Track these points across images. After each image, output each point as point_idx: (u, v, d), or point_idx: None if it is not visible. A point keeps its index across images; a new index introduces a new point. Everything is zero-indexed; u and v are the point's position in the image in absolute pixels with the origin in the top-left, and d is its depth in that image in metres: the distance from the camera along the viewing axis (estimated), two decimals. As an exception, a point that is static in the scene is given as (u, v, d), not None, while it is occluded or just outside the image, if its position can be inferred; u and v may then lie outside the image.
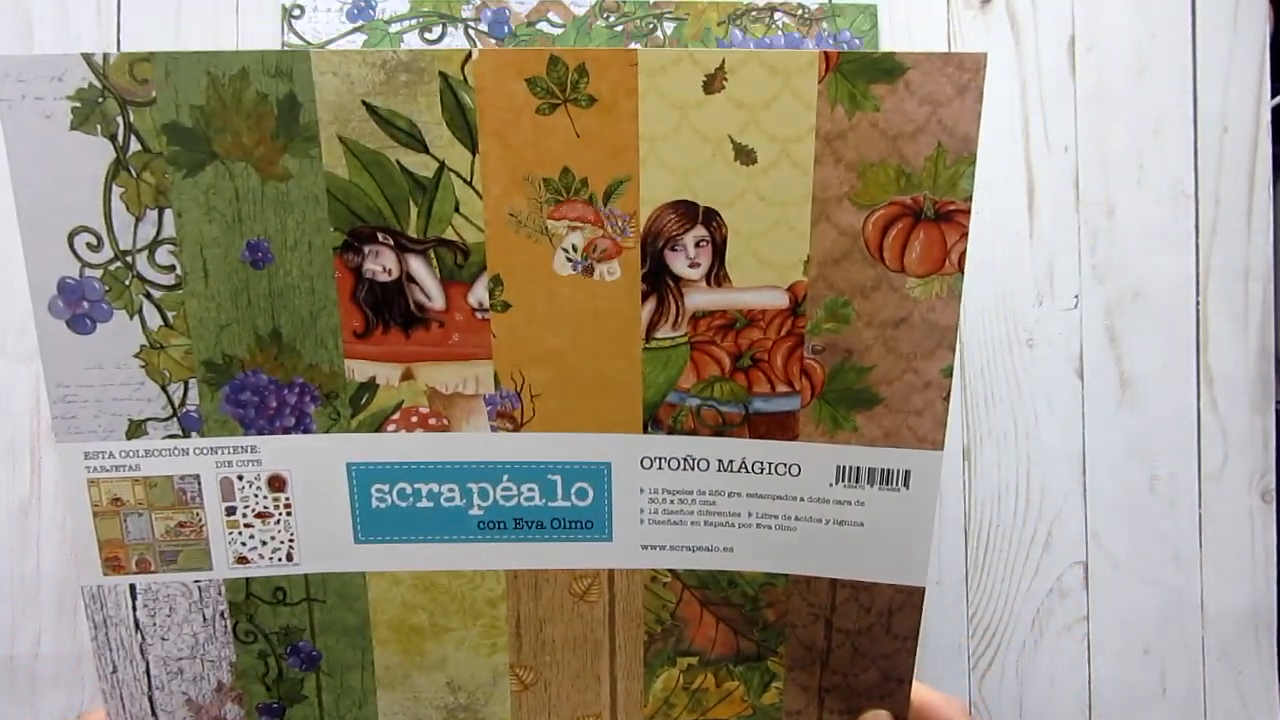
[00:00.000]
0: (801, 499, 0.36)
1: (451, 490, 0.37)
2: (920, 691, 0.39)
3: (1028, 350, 0.56)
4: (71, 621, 0.53)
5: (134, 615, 0.38)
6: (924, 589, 0.37)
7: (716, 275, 0.34)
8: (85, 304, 0.34)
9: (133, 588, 0.37)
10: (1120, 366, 0.56)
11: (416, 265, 0.34)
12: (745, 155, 0.33)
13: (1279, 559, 0.57)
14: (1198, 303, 0.56)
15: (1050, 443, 0.56)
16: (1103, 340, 0.56)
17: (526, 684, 0.39)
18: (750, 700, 0.40)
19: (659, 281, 0.34)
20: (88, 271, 0.34)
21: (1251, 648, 0.58)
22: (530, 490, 0.37)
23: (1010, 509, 0.56)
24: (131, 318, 0.34)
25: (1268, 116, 0.56)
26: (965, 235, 0.33)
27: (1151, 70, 0.55)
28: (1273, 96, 0.56)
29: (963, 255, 0.33)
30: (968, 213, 0.33)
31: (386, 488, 0.37)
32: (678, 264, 0.34)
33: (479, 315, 0.35)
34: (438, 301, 0.34)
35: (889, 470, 0.36)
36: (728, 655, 0.39)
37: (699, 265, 0.34)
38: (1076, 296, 0.56)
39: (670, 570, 0.38)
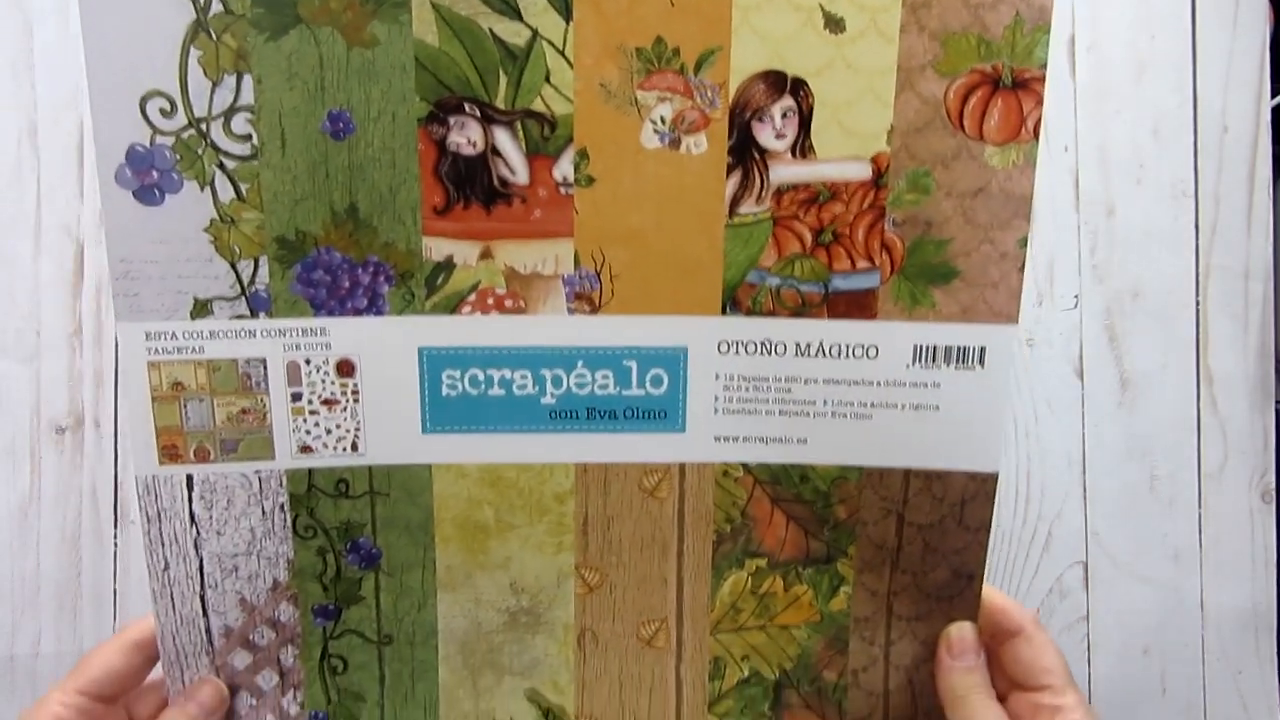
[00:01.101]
0: (878, 383, 0.36)
1: (524, 377, 0.36)
2: (992, 594, 0.39)
3: (1028, 350, 0.57)
4: (71, 621, 0.52)
5: (189, 508, 0.36)
6: (997, 476, 0.37)
7: (802, 147, 0.34)
8: (155, 173, 0.33)
9: (189, 478, 0.36)
10: (1120, 366, 0.57)
11: (502, 138, 0.33)
12: (835, 24, 0.33)
13: (1279, 559, 0.58)
14: (1198, 303, 0.57)
15: (1050, 443, 0.57)
16: (1103, 340, 0.57)
17: (592, 586, 0.39)
18: (818, 606, 0.39)
19: (745, 154, 0.34)
20: (159, 139, 0.33)
21: (1251, 648, 0.58)
22: (605, 377, 0.36)
23: (1010, 509, 0.57)
24: (203, 189, 0.33)
25: (1268, 116, 0.57)
26: (1040, 103, 0.33)
27: (1151, 70, 0.56)
28: (1273, 96, 0.57)
29: (1038, 123, 0.34)
30: (1043, 80, 0.33)
31: (458, 374, 0.36)
32: (764, 135, 0.34)
33: (563, 191, 0.34)
34: (521, 176, 0.34)
35: (965, 349, 0.36)
36: (797, 558, 0.39)
37: (785, 136, 0.34)
38: (1076, 296, 0.57)
39: (742, 464, 0.38)
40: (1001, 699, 0.38)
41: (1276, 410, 0.58)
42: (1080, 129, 0.56)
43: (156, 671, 0.38)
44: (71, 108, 0.51)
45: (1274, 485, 0.58)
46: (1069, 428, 0.57)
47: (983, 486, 0.37)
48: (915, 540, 0.38)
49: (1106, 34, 0.56)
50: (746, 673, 0.40)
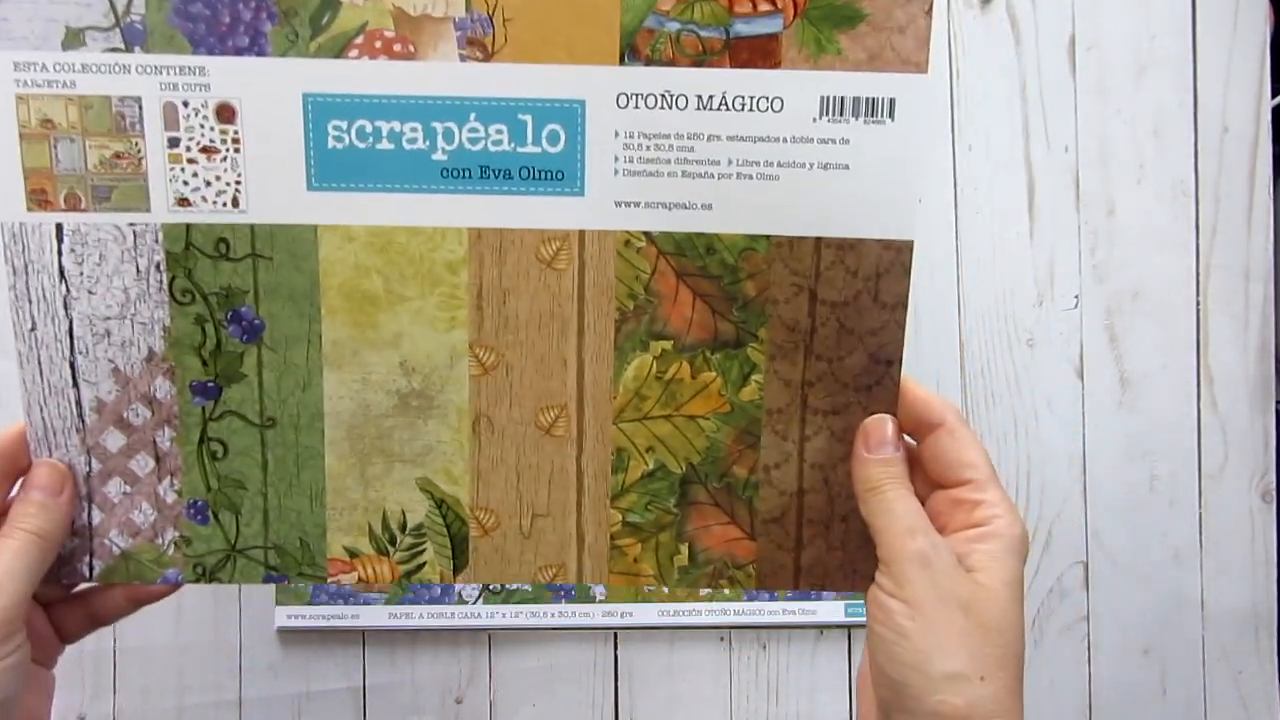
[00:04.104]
0: (784, 139, 0.35)
1: (415, 130, 0.35)
2: (911, 386, 0.37)
3: (1028, 350, 0.57)
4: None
5: (59, 262, 0.34)
6: (912, 245, 0.36)
7: None
8: (25, -114, 0.32)
9: (59, 228, 0.34)
10: (1120, 366, 0.57)
11: None
12: None
13: (1279, 559, 0.57)
14: (1198, 303, 0.57)
15: (1050, 443, 0.57)
16: (1103, 340, 0.57)
17: (487, 367, 0.37)
18: (728, 395, 0.37)
19: (639, -121, 0.33)
20: None
21: (1251, 648, 0.58)
22: (499, 132, 0.35)
23: None
24: (76, -95, 0.32)
25: (1268, 116, 0.57)
26: None
27: (1151, 70, 0.56)
28: (1273, 96, 0.57)
29: None
30: None
31: (344, 125, 0.34)
32: None
33: (450, -80, 0.33)
34: (407, -100, 0.33)
35: (874, 100, 0.34)
36: (705, 340, 0.37)
37: None
38: (1076, 296, 0.57)
39: (645, 233, 0.36)
40: (922, 501, 0.36)
41: (1277, 410, 0.58)
42: (1080, 129, 0.56)
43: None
44: None
45: (1274, 485, 0.57)
46: (1069, 428, 0.57)
47: (898, 257, 0.36)
48: (829, 321, 0.36)
49: (1106, 34, 0.56)
50: (651, 465, 0.38)
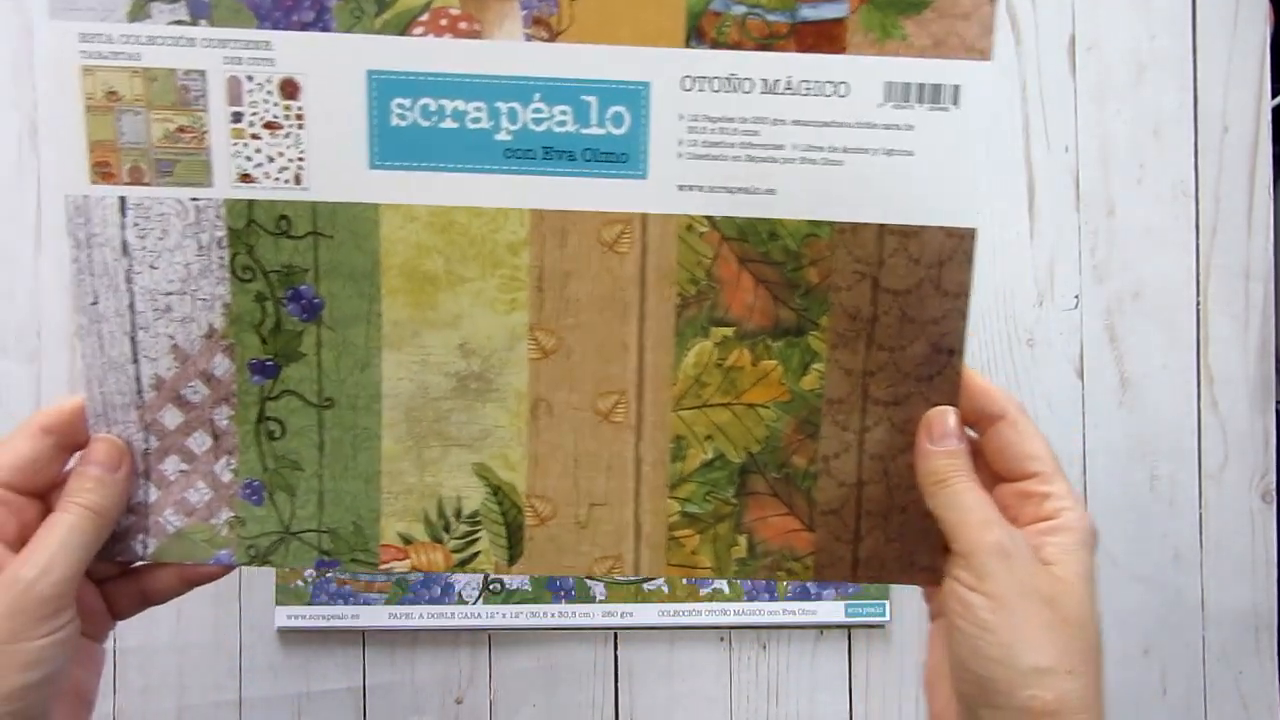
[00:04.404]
0: (849, 125, 0.34)
1: (479, 110, 0.34)
2: (972, 377, 0.36)
3: (1028, 350, 0.57)
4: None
5: (122, 235, 0.34)
6: (975, 233, 0.35)
7: None
8: None
9: (123, 201, 0.34)
10: (1120, 366, 0.57)
11: None
12: None
13: (1279, 559, 0.57)
14: (1198, 303, 0.57)
15: (1050, 443, 0.55)
16: (1103, 340, 0.57)
17: (546, 350, 0.36)
18: (788, 384, 0.37)
19: None
20: None
21: (1251, 648, 0.58)
22: (563, 113, 0.35)
23: None
24: (147, -123, 0.32)
25: (1268, 116, 0.57)
26: None
27: (1151, 70, 0.57)
28: (1273, 96, 0.57)
29: None
30: None
31: (409, 103, 0.34)
32: None
33: (521, -103, 0.33)
34: (478, -123, 0.33)
35: (939, 86, 0.34)
36: (766, 327, 0.37)
37: None
38: (1076, 296, 0.57)
39: (707, 218, 0.36)
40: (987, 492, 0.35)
41: (1277, 410, 0.58)
42: (1080, 129, 0.57)
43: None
44: None
45: (1274, 485, 0.57)
46: (1069, 428, 0.57)
47: (960, 245, 0.35)
48: (891, 309, 0.36)
49: (1106, 34, 0.56)
50: (711, 454, 0.37)
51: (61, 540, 0.33)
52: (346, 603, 0.53)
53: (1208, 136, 0.57)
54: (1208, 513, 0.57)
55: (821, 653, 0.56)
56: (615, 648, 0.56)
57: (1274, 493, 0.57)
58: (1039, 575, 0.32)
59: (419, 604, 0.54)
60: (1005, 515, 0.34)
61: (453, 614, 0.54)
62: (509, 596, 0.54)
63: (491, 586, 0.54)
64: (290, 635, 0.54)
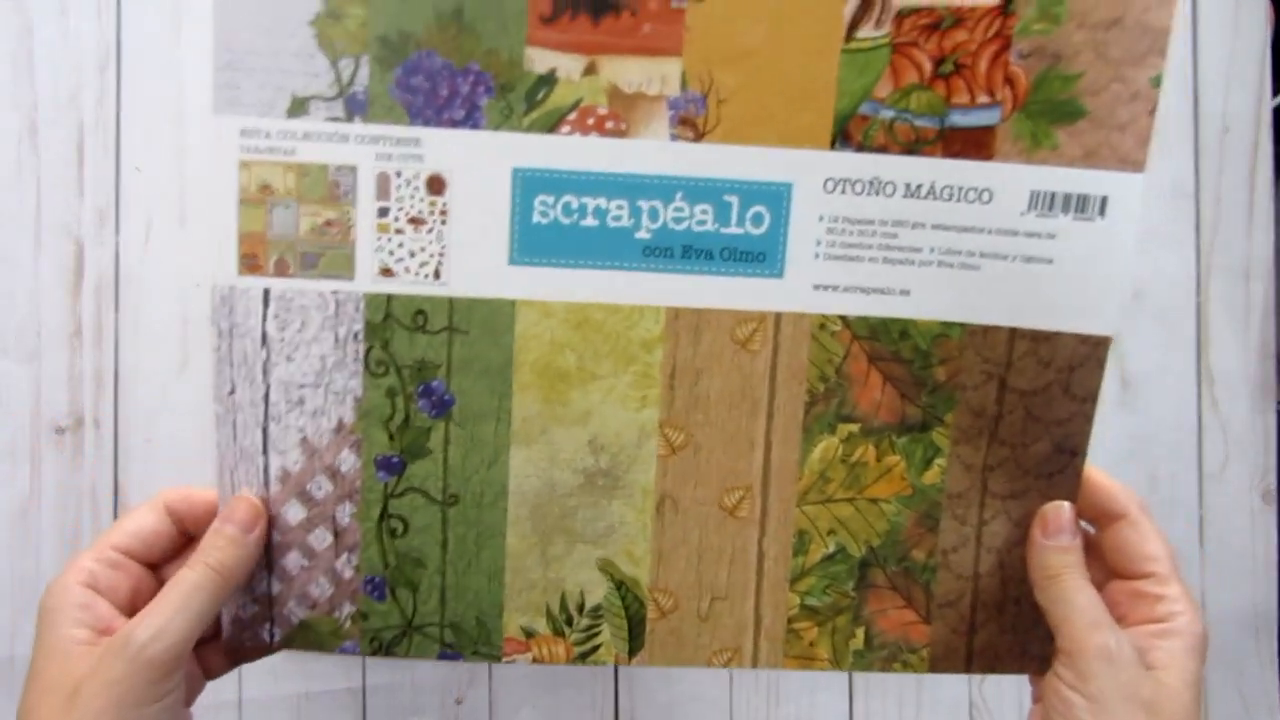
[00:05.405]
0: (990, 231, 0.35)
1: (620, 207, 0.35)
2: (1094, 475, 0.36)
3: None
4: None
5: (263, 326, 0.34)
6: (1110, 341, 0.35)
7: (927, -34, 0.33)
8: (264, -41, 0.32)
9: (266, 293, 0.34)
10: (1120, 366, 0.57)
11: (617, -58, 0.33)
12: None
13: (1279, 559, 0.57)
14: (1198, 303, 0.57)
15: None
16: None
17: (675, 447, 0.36)
18: (910, 479, 0.37)
19: (866, -28, 0.33)
20: (272, -77, 0.32)
21: (1251, 648, 0.57)
22: (704, 212, 0.35)
23: None
24: (311, -21, 0.33)
25: (1268, 116, 0.57)
26: None
27: None
28: (1273, 96, 0.57)
29: None
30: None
31: (552, 199, 0.34)
32: (888, -48, 0.33)
33: (675, 4, 0.33)
34: (634, -15, 0.33)
35: (1086, 197, 0.34)
36: (891, 424, 0.37)
37: (910, -47, 0.33)
38: None
39: (840, 317, 0.36)
40: (1099, 588, 0.35)
41: (1277, 410, 0.58)
42: None
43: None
44: (72, 108, 0.50)
45: (1275, 486, 0.57)
46: None
47: (1094, 351, 0.35)
48: (1017, 408, 0.36)
49: None
50: (832, 548, 0.37)
51: (182, 602, 0.33)
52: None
53: (1208, 136, 0.57)
54: (1208, 513, 0.57)
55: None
56: (615, 648, 0.55)
57: (1274, 493, 0.57)
58: (1142, 680, 0.32)
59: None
60: (1116, 613, 0.35)
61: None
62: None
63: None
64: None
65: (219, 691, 0.52)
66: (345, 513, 0.36)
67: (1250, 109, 0.57)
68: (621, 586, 0.37)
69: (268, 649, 0.36)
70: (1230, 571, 0.57)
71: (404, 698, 0.53)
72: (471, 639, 0.36)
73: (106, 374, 0.51)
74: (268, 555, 0.35)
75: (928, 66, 0.34)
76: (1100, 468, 0.36)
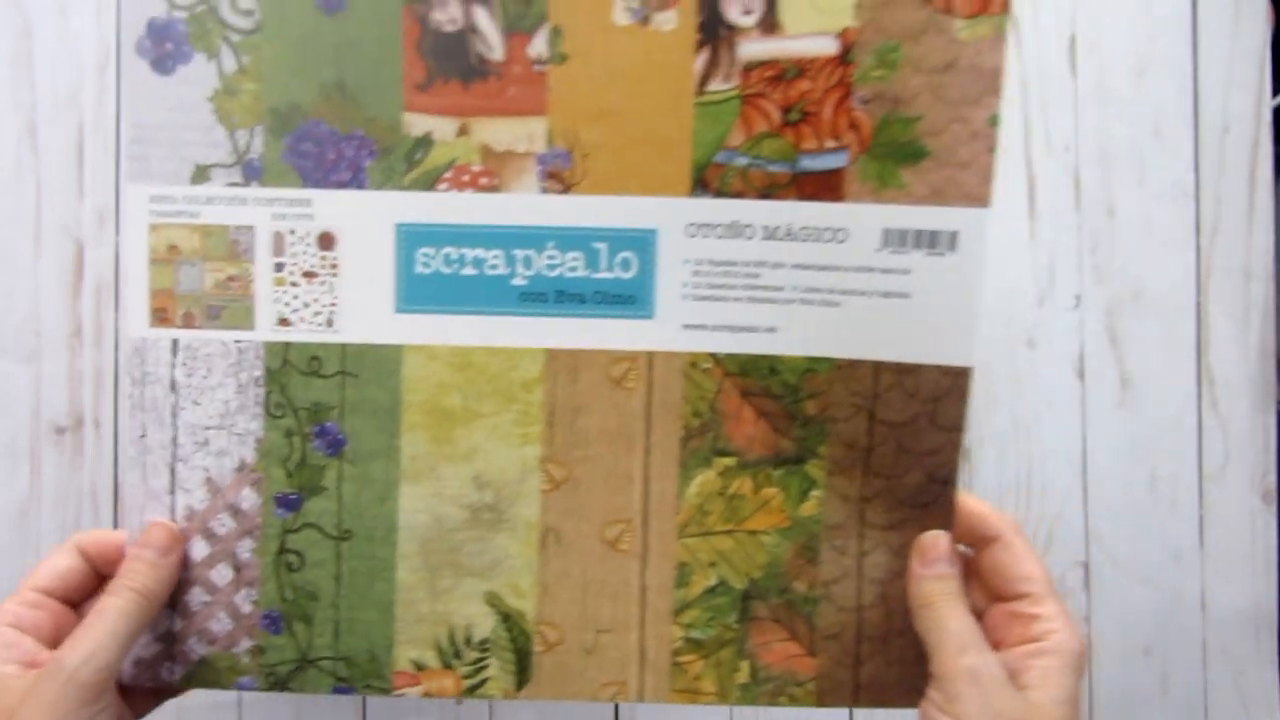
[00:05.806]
0: (847, 269, 0.36)
1: (497, 257, 0.37)
2: (968, 501, 0.37)
3: (1028, 350, 0.57)
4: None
5: (172, 374, 0.37)
6: (970, 371, 0.36)
7: (769, 22, 0.35)
8: (169, 45, 0.36)
9: (175, 343, 0.37)
10: (1120, 366, 0.57)
11: (480, 15, 0.36)
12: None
13: (1279, 559, 0.57)
14: (1198, 303, 0.57)
15: (1050, 443, 0.57)
16: (1103, 340, 0.57)
17: (557, 482, 0.38)
18: (788, 511, 0.38)
19: (713, 30, 0.36)
20: (175, 13, 0.36)
21: (1251, 648, 0.57)
22: (575, 259, 0.37)
23: (1011, 509, 0.56)
24: (209, 60, 0.36)
25: (1268, 116, 0.57)
26: None
27: (1151, 70, 0.57)
28: (1273, 96, 0.58)
29: None
30: (1010, -51, 0.34)
31: (433, 251, 0.37)
32: (732, 11, 0.35)
33: (537, 68, 0.36)
34: (498, 53, 0.36)
35: (936, 233, 0.36)
36: (767, 456, 0.38)
37: (753, 12, 0.35)
38: (1077, 296, 0.57)
39: (711, 355, 0.37)
40: (980, 614, 0.36)
41: (1277, 411, 0.57)
42: (1080, 129, 0.57)
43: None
44: (71, 108, 0.52)
45: (1275, 485, 0.57)
46: (1069, 428, 0.57)
47: (956, 382, 0.36)
48: (888, 440, 0.37)
49: (1106, 34, 0.57)
50: (714, 580, 0.38)
51: (108, 627, 0.35)
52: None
53: (1208, 136, 0.56)
54: (1208, 513, 0.56)
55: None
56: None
57: (1274, 493, 0.56)
58: (1009, 700, 0.32)
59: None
60: (995, 636, 0.35)
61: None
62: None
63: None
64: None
65: (219, 691, 0.53)
66: (246, 548, 0.38)
67: (1250, 109, 0.57)
68: (508, 619, 0.38)
69: (171, 689, 0.38)
70: (1230, 571, 0.57)
71: (404, 698, 0.54)
72: (364, 672, 0.38)
73: (106, 374, 0.52)
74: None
75: (776, 115, 0.36)
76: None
